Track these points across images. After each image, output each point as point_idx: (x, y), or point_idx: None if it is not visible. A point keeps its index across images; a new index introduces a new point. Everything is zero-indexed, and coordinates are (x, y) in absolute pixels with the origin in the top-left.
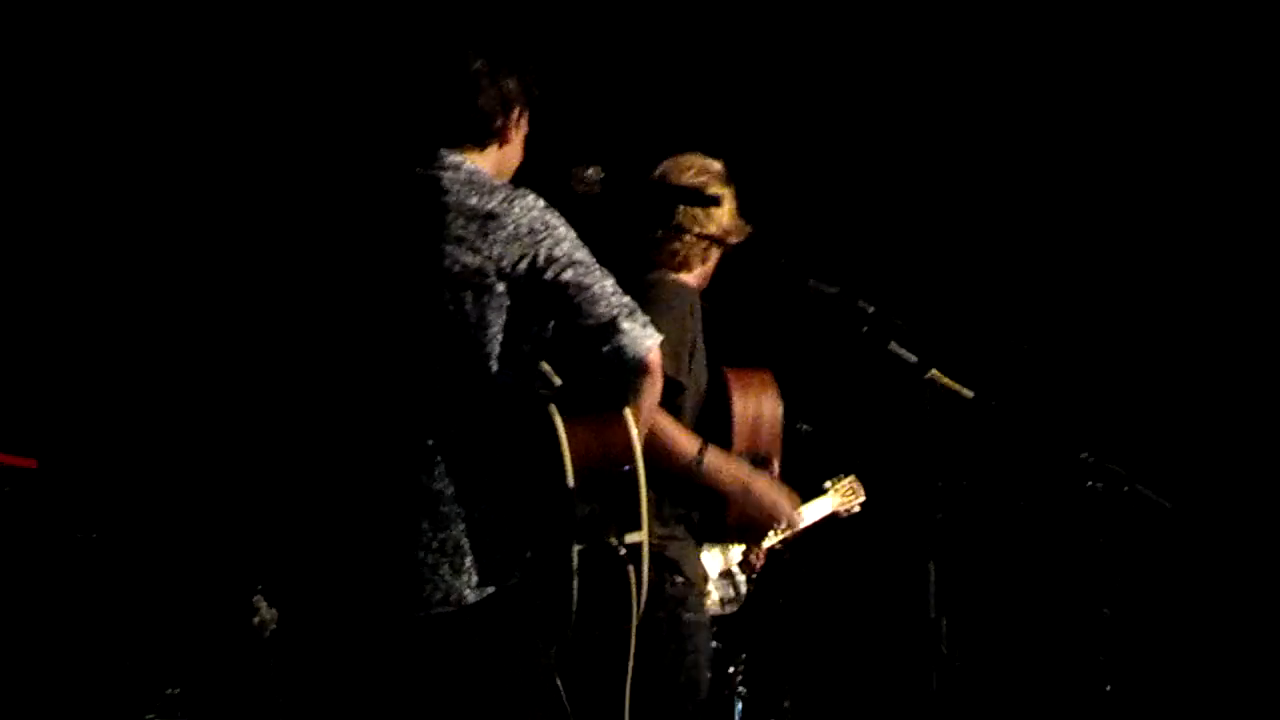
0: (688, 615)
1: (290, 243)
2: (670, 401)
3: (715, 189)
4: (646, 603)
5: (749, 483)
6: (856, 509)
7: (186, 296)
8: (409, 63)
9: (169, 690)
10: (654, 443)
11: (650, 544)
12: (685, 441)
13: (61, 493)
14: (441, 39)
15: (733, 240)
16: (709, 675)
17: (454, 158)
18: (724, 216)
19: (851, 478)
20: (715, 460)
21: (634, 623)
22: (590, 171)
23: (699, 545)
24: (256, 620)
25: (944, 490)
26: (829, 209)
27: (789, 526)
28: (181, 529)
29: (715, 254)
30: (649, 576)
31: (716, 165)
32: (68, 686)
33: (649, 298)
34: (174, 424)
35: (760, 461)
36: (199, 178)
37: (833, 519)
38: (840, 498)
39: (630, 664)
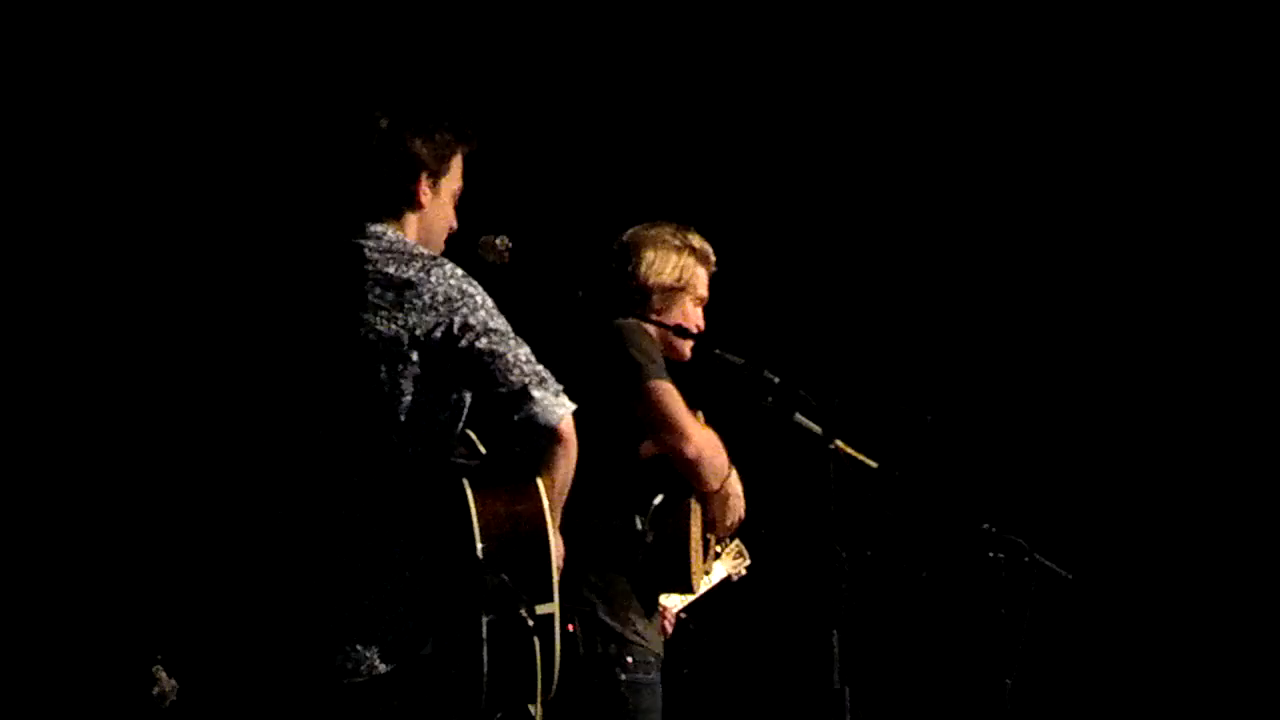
0: (625, 676)
1: (209, 316)
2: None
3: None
4: (586, 670)
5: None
6: (744, 573)
7: (93, 359)
8: (325, 131)
9: None
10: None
11: (583, 609)
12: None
13: None
14: (352, 104)
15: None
16: None
17: (376, 227)
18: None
19: (737, 541)
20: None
21: (539, 696)
22: (499, 240)
23: (641, 605)
24: (156, 691)
25: (848, 560)
26: (733, 278)
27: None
28: (79, 598)
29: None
30: (579, 644)
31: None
32: None
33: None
34: (74, 489)
35: None
36: (132, 239)
37: (726, 584)
38: (731, 561)
39: None
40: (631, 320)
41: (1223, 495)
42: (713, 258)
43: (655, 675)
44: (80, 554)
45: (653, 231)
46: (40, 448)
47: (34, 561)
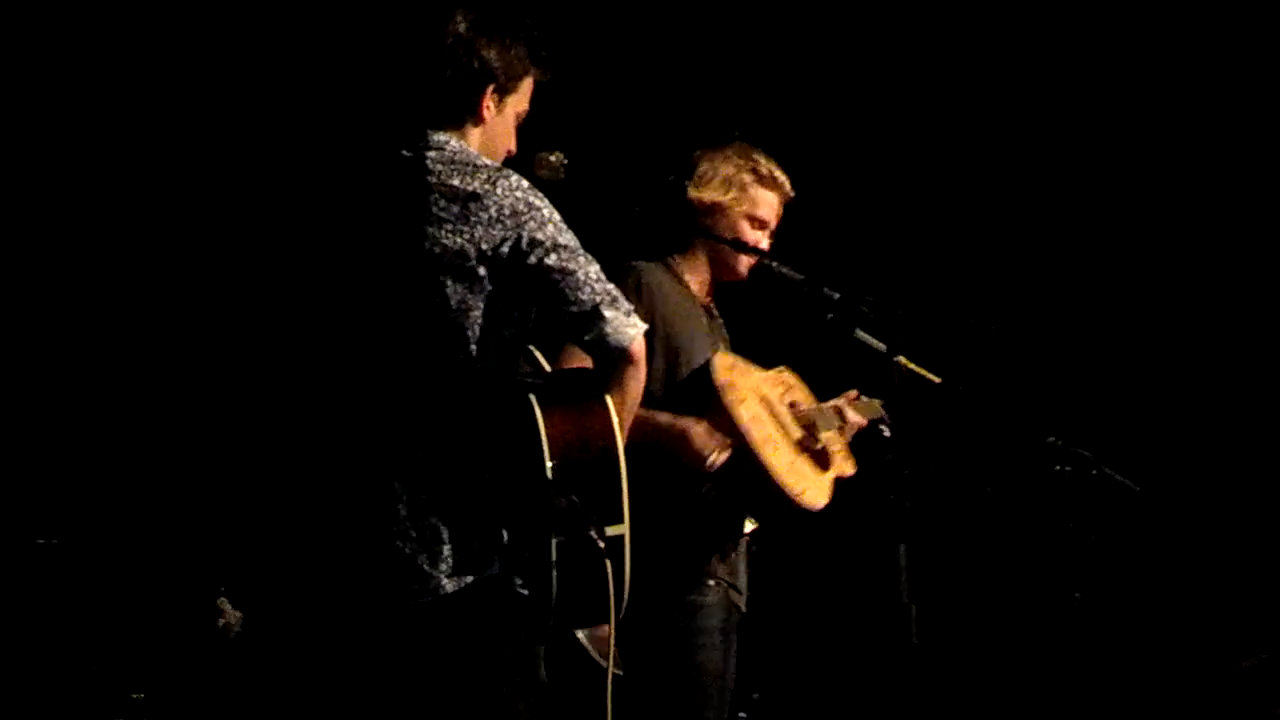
0: (690, 597)
1: (271, 231)
2: None
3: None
4: (649, 590)
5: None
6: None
7: (153, 286)
8: (399, 35)
9: (134, 694)
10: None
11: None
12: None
13: (20, 497)
14: (430, 7)
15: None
16: (718, 656)
17: (439, 137)
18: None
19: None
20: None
21: (612, 618)
22: (554, 157)
23: (710, 528)
24: (221, 622)
25: (912, 476)
26: (795, 195)
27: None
28: (144, 531)
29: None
30: (630, 567)
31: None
32: (32, 692)
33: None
34: (137, 422)
35: None
36: (184, 168)
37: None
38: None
39: (611, 658)
40: (651, 264)
41: None
42: (781, 181)
43: (715, 598)
44: (143, 488)
45: (719, 150)
46: (104, 380)
47: (98, 496)
